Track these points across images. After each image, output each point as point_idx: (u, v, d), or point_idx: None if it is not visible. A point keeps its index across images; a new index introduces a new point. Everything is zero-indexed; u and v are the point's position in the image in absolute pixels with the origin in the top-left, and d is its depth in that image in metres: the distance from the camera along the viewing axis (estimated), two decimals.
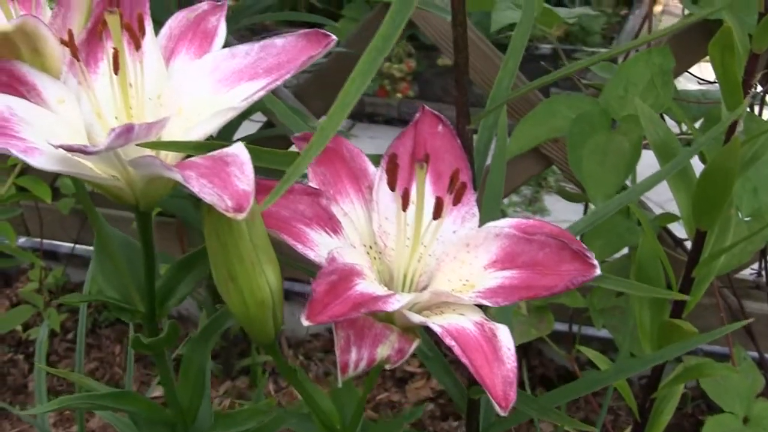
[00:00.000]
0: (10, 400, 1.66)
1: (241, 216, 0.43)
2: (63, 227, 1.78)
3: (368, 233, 0.59)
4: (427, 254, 0.58)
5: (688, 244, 1.39)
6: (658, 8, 3.33)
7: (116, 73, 0.50)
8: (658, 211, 1.29)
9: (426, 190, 0.59)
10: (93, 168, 0.49)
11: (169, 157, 0.53)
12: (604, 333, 1.38)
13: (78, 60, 0.50)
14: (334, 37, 0.54)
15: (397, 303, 0.49)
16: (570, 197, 1.30)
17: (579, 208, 1.66)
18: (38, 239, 1.79)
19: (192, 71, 0.55)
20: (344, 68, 1.39)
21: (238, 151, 0.47)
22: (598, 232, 1.19)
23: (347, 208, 0.58)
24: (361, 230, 0.58)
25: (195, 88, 0.55)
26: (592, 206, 1.36)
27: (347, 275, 0.50)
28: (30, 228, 1.81)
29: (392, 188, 0.55)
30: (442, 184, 0.59)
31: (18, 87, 0.52)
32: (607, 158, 1.03)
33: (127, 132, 0.43)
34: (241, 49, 0.55)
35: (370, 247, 0.59)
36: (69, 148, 0.43)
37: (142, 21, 0.51)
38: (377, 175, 0.59)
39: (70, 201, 1.66)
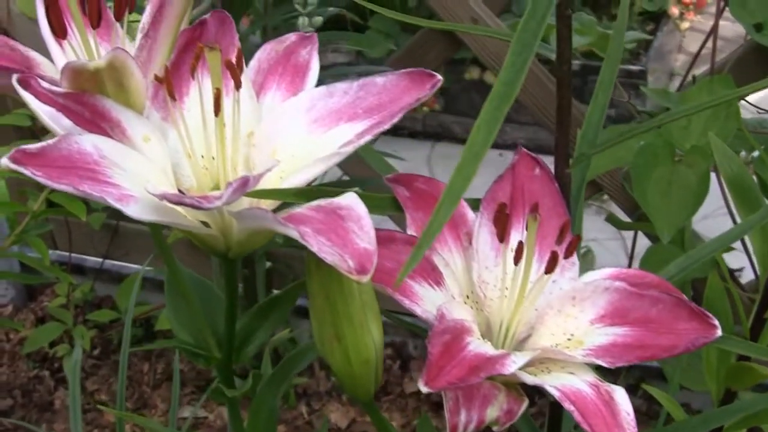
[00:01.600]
0: (36, 417, 1.63)
1: (365, 278, 0.40)
2: (92, 242, 1.75)
3: (466, 283, 0.56)
4: (530, 307, 0.55)
5: (742, 274, 1.35)
6: (684, 25, 3.29)
7: (217, 114, 0.47)
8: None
9: (523, 237, 0.56)
10: (188, 217, 0.46)
11: (262, 204, 0.50)
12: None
13: (174, 99, 0.47)
14: (439, 77, 0.50)
15: (513, 365, 0.46)
16: (619, 225, 1.26)
17: (604, 226, 1.62)
18: (66, 253, 1.76)
19: (286, 109, 0.52)
20: None
21: (353, 202, 0.44)
22: (649, 265, 1.16)
23: (446, 257, 0.55)
24: (460, 279, 0.55)
25: (289, 127, 0.51)
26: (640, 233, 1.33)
27: (459, 333, 0.47)
28: (58, 242, 1.78)
29: (501, 239, 0.52)
30: (542, 232, 0.56)
31: (101, 123, 0.49)
32: (672, 190, 1.00)
33: (243, 186, 0.39)
34: (339, 87, 0.52)
35: (467, 297, 0.56)
36: (179, 201, 0.40)
37: (241, 58, 0.47)
38: (476, 221, 0.56)
39: (100, 216, 1.63)
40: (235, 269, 0.52)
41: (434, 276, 0.52)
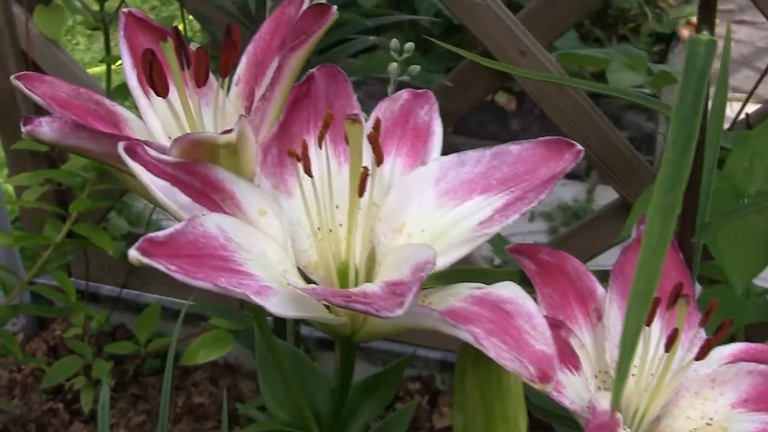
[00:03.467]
0: None
1: (548, 387, 0.35)
2: (110, 270, 1.69)
3: (597, 361, 0.52)
4: (668, 390, 0.50)
5: None
6: None
7: (361, 195, 0.42)
8: None
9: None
10: (330, 312, 0.42)
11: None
12: None
13: (311, 176, 0.43)
14: (579, 146, 0.46)
15: None
16: None
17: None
18: (81, 281, 1.70)
19: (414, 180, 0.47)
20: None
21: (516, 295, 0.39)
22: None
23: (578, 336, 0.50)
24: (591, 358, 0.51)
25: (418, 199, 0.47)
26: None
27: (613, 429, 0.43)
28: (73, 270, 1.72)
29: (649, 324, 0.48)
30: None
31: (212, 195, 0.45)
32: (741, 237, 0.96)
33: (419, 288, 0.35)
34: (471, 155, 0.47)
35: (595, 376, 0.52)
36: (346, 305, 0.35)
37: (378, 127, 0.43)
38: (607, 297, 0.52)
39: (120, 245, 1.57)
40: (354, 350, 0.48)
41: (573, 361, 0.48)
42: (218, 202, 0.45)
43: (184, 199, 0.42)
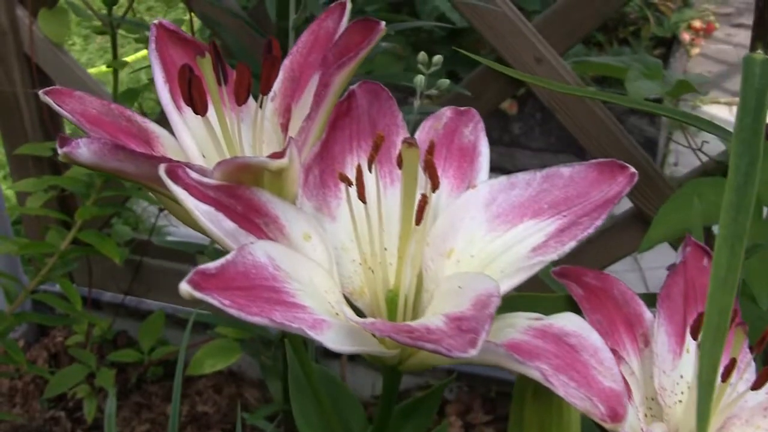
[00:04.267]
0: None
1: (620, 426, 0.34)
2: (113, 277, 1.67)
3: (644, 388, 0.50)
4: (719, 419, 0.49)
5: None
6: (695, 50, 3.28)
7: (418, 223, 0.40)
8: None
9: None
10: (385, 346, 0.40)
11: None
12: None
13: (365, 202, 0.41)
14: (632, 169, 0.45)
15: None
16: None
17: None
18: (84, 287, 1.68)
19: (463, 204, 0.46)
20: None
21: (580, 328, 0.38)
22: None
23: (628, 363, 0.49)
24: (639, 385, 0.50)
25: (467, 224, 0.45)
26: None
27: None
28: (76, 276, 1.70)
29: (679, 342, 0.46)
30: None
31: (255, 219, 0.43)
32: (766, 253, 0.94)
33: (489, 327, 0.33)
34: (521, 178, 0.46)
35: (640, 403, 0.51)
36: (413, 343, 0.33)
37: (432, 151, 0.41)
38: (655, 322, 0.50)
39: (124, 251, 1.55)
40: (399, 380, 0.46)
41: (626, 390, 0.46)
42: (261, 226, 0.43)
43: (229, 224, 0.40)
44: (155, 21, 0.53)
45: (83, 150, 0.40)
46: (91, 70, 3.44)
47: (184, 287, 0.34)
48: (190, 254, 1.55)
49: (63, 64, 1.50)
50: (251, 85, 0.45)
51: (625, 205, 1.29)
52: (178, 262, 1.62)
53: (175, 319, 1.69)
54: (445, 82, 0.64)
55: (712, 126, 0.60)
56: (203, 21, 1.35)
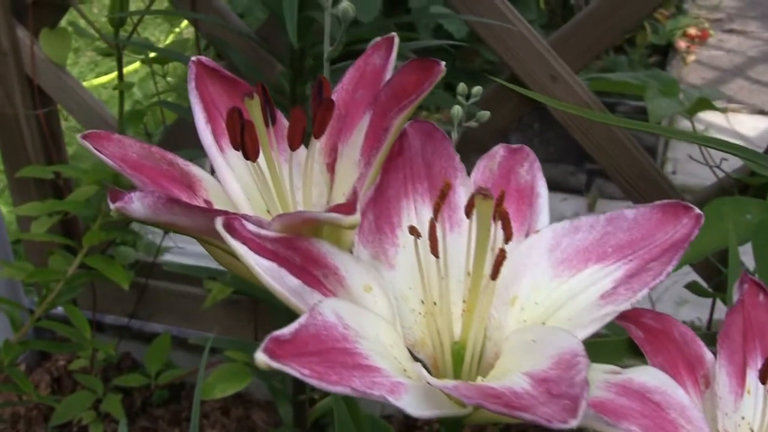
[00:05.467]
0: None
1: None
2: (118, 300, 1.64)
3: None
4: None
5: None
6: (690, 58, 3.28)
7: (494, 278, 0.39)
8: None
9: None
10: (459, 405, 0.38)
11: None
12: None
13: (437, 256, 0.39)
14: (697, 210, 0.43)
15: None
16: (702, 293, 1.20)
17: None
18: (87, 311, 1.65)
19: (526, 249, 0.44)
20: None
21: (663, 383, 0.36)
22: None
23: None
24: None
25: (530, 270, 0.44)
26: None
27: None
28: (79, 300, 1.67)
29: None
30: None
31: (313, 270, 0.41)
32: None
33: (585, 388, 0.31)
34: (584, 221, 0.44)
35: None
36: (516, 414, 0.31)
37: (503, 199, 0.39)
38: (716, 363, 0.49)
39: (130, 275, 1.52)
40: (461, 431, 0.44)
41: None
42: (319, 278, 0.41)
43: (293, 281, 0.38)
44: (193, 58, 0.51)
45: (137, 205, 0.38)
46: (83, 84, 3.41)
47: (261, 358, 0.32)
48: (196, 276, 1.53)
49: (65, 84, 1.47)
50: (305, 128, 0.44)
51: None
52: (184, 284, 1.59)
53: (179, 341, 1.67)
54: (485, 114, 0.62)
55: (738, 149, 0.58)
56: (209, 41, 1.33)
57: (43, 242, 1.54)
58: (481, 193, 0.38)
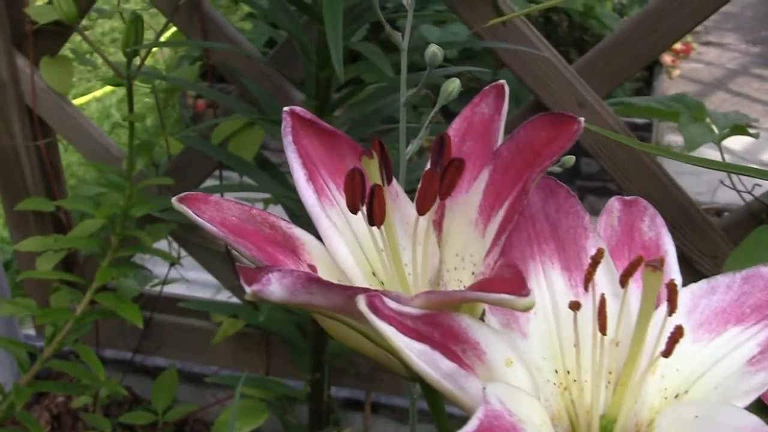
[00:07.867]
0: None
1: None
2: (122, 334, 1.59)
3: None
4: None
5: None
6: (676, 72, 3.31)
7: (667, 356, 0.36)
8: None
9: None
10: None
11: None
12: None
13: (605, 333, 0.36)
14: None
15: None
16: None
17: None
18: (90, 346, 1.59)
19: (664, 312, 0.42)
20: None
21: None
22: None
23: None
24: None
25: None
26: None
27: None
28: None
29: None
30: None
31: (452, 346, 0.38)
32: None
33: None
34: (721, 281, 0.42)
35: None
36: None
37: (663, 263, 0.37)
38: None
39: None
40: None
41: None
42: (457, 353, 0.38)
43: (447, 365, 0.36)
44: (287, 108, 0.48)
45: (275, 287, 0.35)
46: (76, 101, 3.34)
47: None
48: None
49: (66, 114, 1.43)
50: (435, 198, 0.41)
51: None
52: (189, 317, 1.55)
53: (184, 374, 1.62)
54: (571, 159, 0.59)
55: None
56: (221, 69, 1.30)
57: (49, 282, 1.48)
58: (651, 265, 0.36)
